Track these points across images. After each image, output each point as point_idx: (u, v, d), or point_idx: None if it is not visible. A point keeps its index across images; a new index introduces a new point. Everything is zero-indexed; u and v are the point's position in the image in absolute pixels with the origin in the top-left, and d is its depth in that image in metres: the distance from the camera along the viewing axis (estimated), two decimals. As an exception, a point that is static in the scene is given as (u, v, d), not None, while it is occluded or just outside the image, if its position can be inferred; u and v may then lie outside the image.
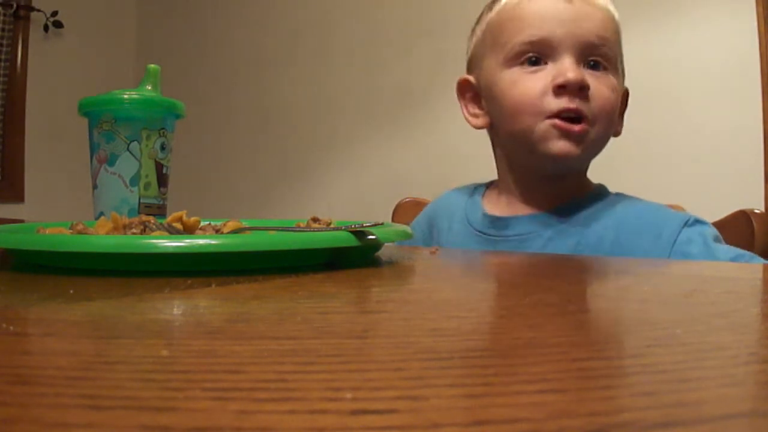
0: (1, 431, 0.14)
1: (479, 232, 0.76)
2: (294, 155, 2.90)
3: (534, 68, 0.69)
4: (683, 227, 0.67)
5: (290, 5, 2.95)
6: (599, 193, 0.75)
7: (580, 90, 0.67)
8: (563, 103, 0.67)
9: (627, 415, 0.15)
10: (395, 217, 1.06)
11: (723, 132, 1.90)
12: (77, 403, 0.16)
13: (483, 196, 0.81)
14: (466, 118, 0.79)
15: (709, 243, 0.66)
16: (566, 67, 0.67)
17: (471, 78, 0.78)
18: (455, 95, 0.80)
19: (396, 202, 1.10)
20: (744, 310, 0.30)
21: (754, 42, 1.87)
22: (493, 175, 0.85)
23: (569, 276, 0.44)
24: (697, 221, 0.69)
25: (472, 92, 0.78)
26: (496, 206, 0.78)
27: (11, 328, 0.24)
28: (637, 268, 0.49)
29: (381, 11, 2.66)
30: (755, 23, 1.86)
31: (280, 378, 0.18)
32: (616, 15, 0.73)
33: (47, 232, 0.47)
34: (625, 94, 0.77)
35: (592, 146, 0.70)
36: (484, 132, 0.83)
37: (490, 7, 0.76)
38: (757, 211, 0.81)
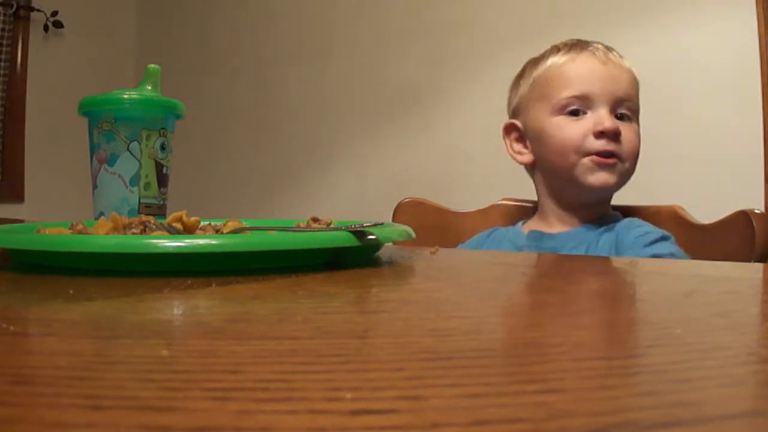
0: (1, 431, 0.14)
1: (521, 246, 0.88)
2: (294, 155, 2.89)
3: (576, 117, 0.85)
4: (643, 248, 0.79)
5: (290, 5, 2.94)
6: (614, 217, 0.89)
7: (615, 136, 0.82)
8: (602, 145, 0.82)
9: (627, 415, 0.15)
10: (395, 217, 1.06)
11: (723, 132, 1.90)
12: (77, 403, 0.16)
13: (523, 224, 0.94)
14: (511, 155, 0.93)
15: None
16: (604, 117, 0.83)
17: (517, 122, 0.92)
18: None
19: (396, 202, 1.09)
20: (744, 310, 0.30)
21: (754, 42, 1.87)
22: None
23: (569, 276, 0.44)
24: (659, 241, 0.80)
25: (517, 134, 0.92)
26: (535, 227, 0.91)
27: (11, 328, 0.24)
28: (637, 268, 0.49)
29: (382, 11, 2.66)
30: (755, 23, 1.86)
31: (280, 378, 0.18)
32: (637, 75, 0.88)
33: (47, 232, 0.47)
34: None
35: (623, 178, 0.85)
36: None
37: (534, 65, 0.91)
38: (757, 211, 0.81)
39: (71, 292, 0.33)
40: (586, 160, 0.83)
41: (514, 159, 0.93)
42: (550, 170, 0.88)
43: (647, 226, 0.84)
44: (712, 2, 1.94)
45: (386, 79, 2.62)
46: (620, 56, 0.88)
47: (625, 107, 0.85)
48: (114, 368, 0.19)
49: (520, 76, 0.93)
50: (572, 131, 0.84)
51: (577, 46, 0.88)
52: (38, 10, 3.08)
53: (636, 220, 0.86)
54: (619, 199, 0.92)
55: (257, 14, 3.05)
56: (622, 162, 0.84)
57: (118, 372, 0.19)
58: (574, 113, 0.85)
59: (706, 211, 0.93)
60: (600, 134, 0.82)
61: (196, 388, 0.17)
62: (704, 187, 1.86)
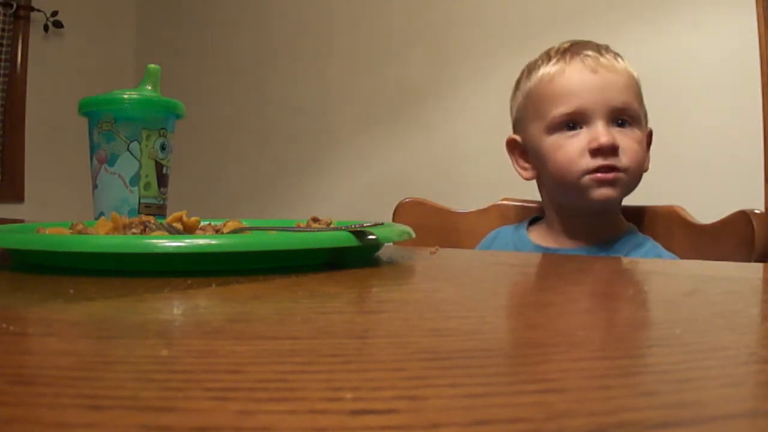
0: (1, 431, 0.14)
1: None
2: (294, 155, 2.89)
3: (572, 133, 0.82)
4: None
5: (290, 5, 2.94)
6: (631, 233, 0.87)
7: (612, 149, 0.79)
8: (598, 162, 0.80)
9: (627, 415, 0.15)
10: (396, 217, 1.06)
11: (723, 132, 1.90)
12: (77, 403, 0.16)
13: (528, 230, 0.93)
14: (517, 171, 0.91)
15: None
16: (599, 132, 0.80)
17: (518, 138, 0.90)
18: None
19: (396, 202, 1.09)
20: (744, 310, 0.30)
21: (754, 42, 1.87)
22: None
23: (569, 276, 0.44)
24: None
25: (519, 149, 0.91)
26: (544, 239, 0.90)
27: (11, 328, 0.24)
28: (637, 268, 0.49)
29: (382, 11, 2.66)
30: (755, 23, 1.86)
31: (280, 378, 0.18)
32: (635, 74, 0.85)
33: (47, 232, 0.47)
34: (650, 134, 0.89)
35: (626, 189, 0.83)
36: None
37: (527, 75, 0.88)
38: (757, 211, 0.81)
39: (71, 292, 0.33)
40: (585, 179, 0.80)
41: (520, 175, 0.91)
42: (553, 186, 0.87)
43: (658, 253, 0.82)
44: (712, 2, 1.94)
45: (386, 79, 2.62)
46: (615, 57, 0.84)
47: (624, 115, 0.82)
48: (114, 368, 0.19)
49: (518, 86, 0.91)
50: (568, 152, 0.81)
51: (568, 52, 0.84)
52: (38, 10, 3.08)
53: (651, 248, 0.84)
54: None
55: (257, 14, 3.04)
56: (624, 173, 0.81)
57: (118, 372, 0.19)
58: (571, 128, 0.82)
59: (706, 211, 0.93)
60: (596, 151, 0.79)
61: (196, 388, 0.17)
62: (704, 187, 1.86)
